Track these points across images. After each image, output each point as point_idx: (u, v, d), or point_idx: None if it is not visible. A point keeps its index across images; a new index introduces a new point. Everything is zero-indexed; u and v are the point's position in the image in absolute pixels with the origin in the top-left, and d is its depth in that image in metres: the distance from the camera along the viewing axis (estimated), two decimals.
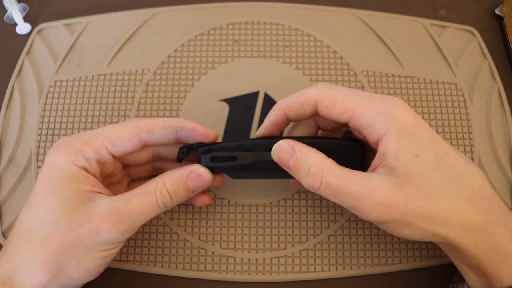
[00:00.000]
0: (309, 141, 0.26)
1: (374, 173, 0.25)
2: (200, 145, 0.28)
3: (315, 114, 0.27)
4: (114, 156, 0.27)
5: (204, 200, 0.31)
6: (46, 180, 0.25)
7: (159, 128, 0.27)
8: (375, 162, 0.25)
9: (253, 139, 0.28)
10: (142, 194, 0.26)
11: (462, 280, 0.27)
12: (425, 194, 0.24)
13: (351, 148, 0.27)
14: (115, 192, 0.27)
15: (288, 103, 0.27)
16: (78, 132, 0.35)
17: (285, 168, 0.26)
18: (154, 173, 0.31)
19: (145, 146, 0.27)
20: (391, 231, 0.26)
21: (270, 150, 0.26)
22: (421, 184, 0.24)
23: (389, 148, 0.24)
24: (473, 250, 0.24)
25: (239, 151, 0.27)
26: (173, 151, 0.29)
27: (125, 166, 0.30)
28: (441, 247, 0.27)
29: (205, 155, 0.27)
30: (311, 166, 0.25)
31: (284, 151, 0.26)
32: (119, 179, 0.30)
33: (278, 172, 0.27)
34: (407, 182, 0.24)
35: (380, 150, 0.25)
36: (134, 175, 0.31)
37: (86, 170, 0.26)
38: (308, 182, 0.25)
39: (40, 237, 0.24)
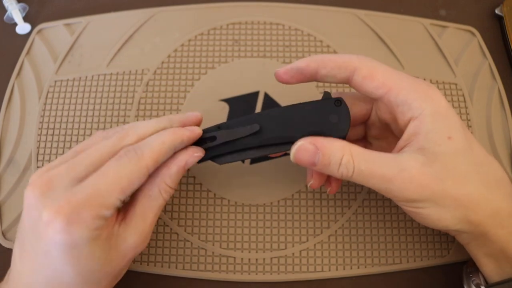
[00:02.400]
0: (288, 109, 0.26)
1: (402, 153, 0.25)
2: None
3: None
4: None
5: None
6: (70, 257, 0.23)
7: (162, 156, 0.26)
8: (401, 142, 0.25)
9: (233, 120, 0.28)
10: (151, 203, 0.26)
11: (476, 270, 0.27)
12: (454, 175, 0.24)
13: (332, 105, 0.26)
14: None
15: (325, 59, 0.26)
16: (77, 132, 0.35)
17: (309, 166, 0.26)
18: None
19: None
20: (420, 214, 0.25)
21: (249, 124, 0.26)
22: (450, 165, 0.24)
23: (422, 128, 0.24)
24: (500, 233, 0.25)
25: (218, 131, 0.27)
26: None
27: None
28: (461, 239, 0.27)
29: None
30: (341, 157, 0.24)
31: (306, 151, 0.25)
32: None
33: (264, 149, 0.27)
34: (436, 162, 0.24)
35: (410, 130, 0.25)
36: None
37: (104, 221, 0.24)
38: (341, 172, 0.25)
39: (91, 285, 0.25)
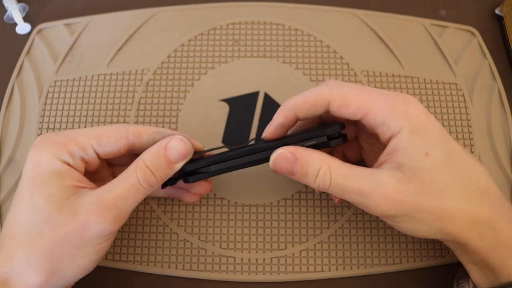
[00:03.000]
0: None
1: (380, 169, 0.25)
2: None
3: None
4: (99, 156, 0.26)
5: (193, 198, 0.31)
6: (30, 177, 0.25)
7: (148, 133, 0.26)
8: (382, 157, 0.25)
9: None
10: (124, 178, 0.25)
11: (466, 276, 0.27)
12: (432, 190, 0.24)
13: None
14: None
15: (298, 103, 0.26)
16: None
17: (287, 175, 0.26)
18: None
19: (131, 150, 0.27)
20: (398, 227, 0.26)
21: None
22: (428, 181, 0.24)
23: (400, 145, 0.24)
24: (480, 245, 0.24)
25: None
26: None
27: (111, 165, 0.30)
28: (447, 244, 0.27)
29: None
30: (319, 169, 0.25)
31: (285, 160, 0.25)
32: (105, 177, 0.30)
33: (257, 154, 0.26)
34: (414, 178, 0.24)
35: (390, 146, 0.25)
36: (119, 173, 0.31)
37: (69, 165, 0.25)
38: (318, 184, 0.25)
39: (30, 236, 0.24)
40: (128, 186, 0.25)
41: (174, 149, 0.25)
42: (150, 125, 0.35)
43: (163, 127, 0.35)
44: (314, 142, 0.26)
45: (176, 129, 0.35)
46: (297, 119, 0.27)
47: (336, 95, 0.25)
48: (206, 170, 0.27)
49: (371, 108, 0.25)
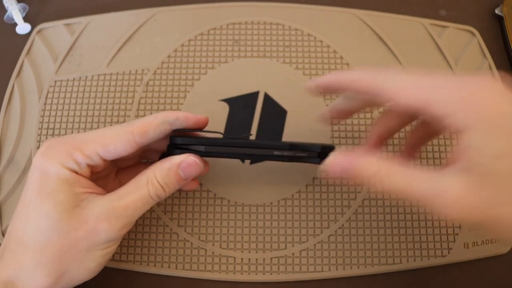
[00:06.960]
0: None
1: (447, 172, 0.21)
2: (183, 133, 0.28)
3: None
4: (105, 160, 0.27)
5: (191, 185, 0.31)
6: (38, 185, 0.25)
7: (153, 128, 0.26)
8: (453, 155, 0.22)
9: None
10: (135, 189, 0.26)
11: None
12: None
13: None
14: (104, 184, 0.28)
15: (355, 79, 0.24)
16: (78, 132, 0.35)
17: (344, 177, 0.23)
18: (141, 160, 0.32)
19: (139, 149, 0.27)
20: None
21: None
22: (506, 187, 0.20)
23: (473, 142, 0.20)
24: None
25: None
26: (163, 143, 0.29)
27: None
28: None
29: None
30: (376, 172, 0.22)
31: (339, 164, 0.23)
32: (107, 173, 0.30)
33: (258, 149, 0.27)
34: (491, 183, 0.20)
35: (461, 143, 0.21)
36: (121, 166, 0.31)
37: (76, 172, 0.25)
38: (376, 188, 0.23)
39: (40, 243, 0.24)
40: (139, 197, 0.25)
41: (186, 170, 0.26)
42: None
43: None
44: (305, 154, 0.27)
45: None
46: (342, 89, 0.26)
47: (392, 84, 0.22)
48: (197, 148, 0.27)
49: (431, 98, 0.21)
